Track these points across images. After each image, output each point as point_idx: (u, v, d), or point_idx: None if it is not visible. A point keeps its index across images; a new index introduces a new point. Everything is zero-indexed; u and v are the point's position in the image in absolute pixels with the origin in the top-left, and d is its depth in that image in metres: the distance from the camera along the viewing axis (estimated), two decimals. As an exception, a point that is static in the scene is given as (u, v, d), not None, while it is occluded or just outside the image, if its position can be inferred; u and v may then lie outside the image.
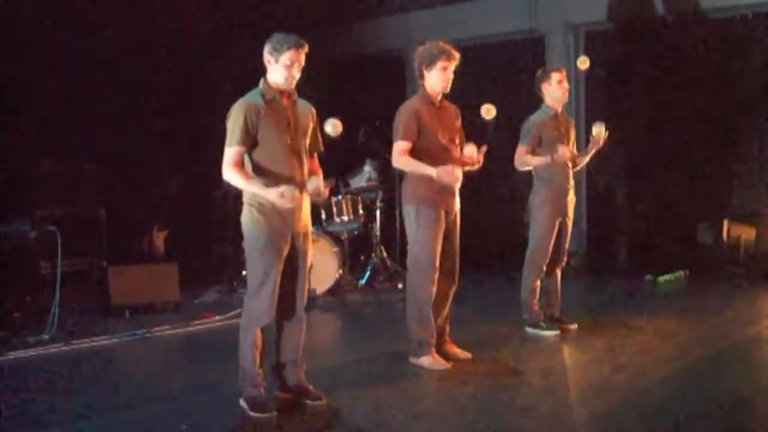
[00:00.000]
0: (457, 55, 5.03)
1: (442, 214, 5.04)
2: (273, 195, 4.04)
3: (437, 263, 5.04)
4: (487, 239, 8.91)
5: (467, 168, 5.12)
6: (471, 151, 5.11)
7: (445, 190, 5.02)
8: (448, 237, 5.11)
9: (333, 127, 4.77)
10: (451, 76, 5.05)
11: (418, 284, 5.09)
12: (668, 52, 8.94)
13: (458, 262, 5.25)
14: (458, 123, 5.23)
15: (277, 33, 4.20)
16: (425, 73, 5.06)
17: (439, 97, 5.11)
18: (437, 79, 5.03)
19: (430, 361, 5.05)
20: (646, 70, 9.08)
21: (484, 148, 5.08)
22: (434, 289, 5.06)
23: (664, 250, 8.70)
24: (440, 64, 5.00)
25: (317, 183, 4.27)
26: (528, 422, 4.14)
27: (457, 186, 5.08)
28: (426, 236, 5.02)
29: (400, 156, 5.00)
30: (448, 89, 5.10)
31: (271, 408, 4.21)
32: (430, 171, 4.90)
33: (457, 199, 5.15)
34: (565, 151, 5.79)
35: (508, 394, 4.57)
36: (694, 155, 8.93)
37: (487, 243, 8.83)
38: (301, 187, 4.23)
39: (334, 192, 7.69)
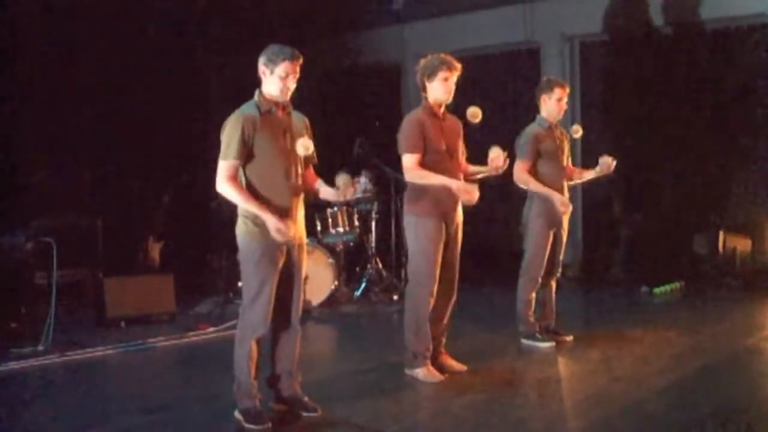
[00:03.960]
0: (458, 65, 5.03)
1: (443, 225, 5.03)
2: (271, 223, 4.06)
3: (437, 275, 5.03)
4: (482, 251, 8.91)
5: (489, 174, 5.14)
6: (496, 154, 5.01)
7: (447, 202, 5.01)
8: (448, 248, 5.09)
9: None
10: (453, 87, 5.05)
11: (417, 295, 5.08)
12: (665, 63, 8.97)
13: (458, 274, 5.23)
14: (460, 134, 5.22)
15: (272, 45, 4.21)
16: (427, 84, 5.05)
17: (442, 109, 5.11)
18: (439, 90, 5.02)
19: (424, 373, 5.04)
20: (642, 82, 9.10)
21: (505, 156, 5.04)
22: (432, 301, 5.05)
23: (660, 261, 8.70)
24: (441, 74, 4.99)
25: (346, 179, 4.33)
26: (523, 434, 4.14)
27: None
28: (426, 247, 5.00)
29: (413, 169, 4.97)
30: (450, 100, 5.10)
31: (266, 419, 4.21)
32: (449, 183, 4.89)
33: (459, 212, 5.13)
34: (565, 202, 5.81)
35: (503, 406, 4.57)
36: (690, 166, 8.95)
37: (482, 254, 8.82)
38: (295, 208, 4.25)
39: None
